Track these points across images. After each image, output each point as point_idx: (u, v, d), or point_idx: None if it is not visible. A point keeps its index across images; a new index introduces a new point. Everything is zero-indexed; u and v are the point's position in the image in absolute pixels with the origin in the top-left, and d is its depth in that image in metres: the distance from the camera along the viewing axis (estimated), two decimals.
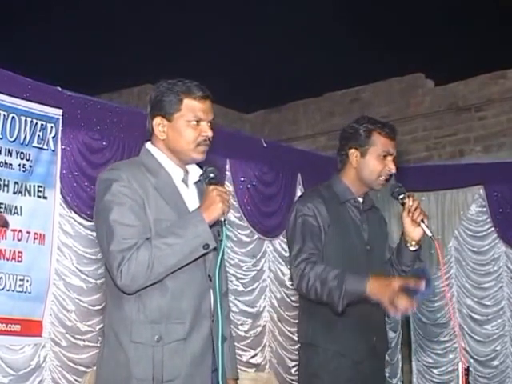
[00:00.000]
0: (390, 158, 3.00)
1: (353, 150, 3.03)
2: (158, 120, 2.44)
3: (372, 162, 3.00)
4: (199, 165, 2.52)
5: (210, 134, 2.43)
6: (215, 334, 2.37)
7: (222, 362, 2.36)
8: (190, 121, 2.41)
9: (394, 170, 3.00)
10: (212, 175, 2.40)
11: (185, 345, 2.31)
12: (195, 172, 2.50)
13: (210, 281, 2.40)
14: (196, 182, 2.51)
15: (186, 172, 2.49)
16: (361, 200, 3.09)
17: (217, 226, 2.37)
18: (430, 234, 2.90)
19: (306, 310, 3.03)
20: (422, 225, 2.90)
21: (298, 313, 3.16)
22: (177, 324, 2.31)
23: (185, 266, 2.31)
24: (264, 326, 6.28)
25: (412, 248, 2.98)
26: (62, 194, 4.97)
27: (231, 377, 2.57)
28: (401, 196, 2.94)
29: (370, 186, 3.05)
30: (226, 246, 2.38)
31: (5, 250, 4.63)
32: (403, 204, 2.95)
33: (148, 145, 2.50)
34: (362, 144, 3.00)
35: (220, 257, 2.36)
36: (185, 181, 2.48)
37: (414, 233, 2.94)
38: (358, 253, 3.00)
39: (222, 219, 2.33)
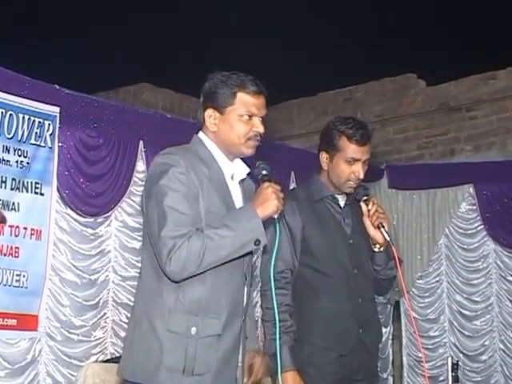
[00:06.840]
0: (358, 163, 2.98)
1: (323, 153, 3.05)
2: (209, 111, 2.42)
3: (339, 167, 2.99)
4: (244, 161, 2.51)
5: (261, 129, 2.41)
6: (244, 333, 2.42)
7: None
8: (242, 115, 2.39)
9: (361, 176, 2.97)
10: (265, 172, 2.37)
11: (218, 341, 2.30)
12: (241, 169, 2.49)
13: (245, 279, 2.42)
14: (241, 180, 2.50)
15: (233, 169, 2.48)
16: (341, 197, 3.09)
17: (268, 222, 2.33)
18: (387, 238, 2.89)
19: None
20: (382, 229, 2.89)
21: None
22: (213, 319, 2.29)
23: (229, 261, 2.28)
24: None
25: (376, 250, 2.99)
26: (58, 190, 5.02)
27: (251, 348, 2.56)
28: (364, 198, 2.95)
29: (339, 189, 3.05)
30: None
31: (2, 246, 4.68)
32: (363, 207, 2.95)
33: (200, 134, 2.47)
34: (331, 148, 3.00)
35: (275, 254, 2.35)
36: (232, 177, 2.47)
37: (376, 236, 2.94)
38: (341, 248, 3.02)
39: (275, 216, 2.31)
